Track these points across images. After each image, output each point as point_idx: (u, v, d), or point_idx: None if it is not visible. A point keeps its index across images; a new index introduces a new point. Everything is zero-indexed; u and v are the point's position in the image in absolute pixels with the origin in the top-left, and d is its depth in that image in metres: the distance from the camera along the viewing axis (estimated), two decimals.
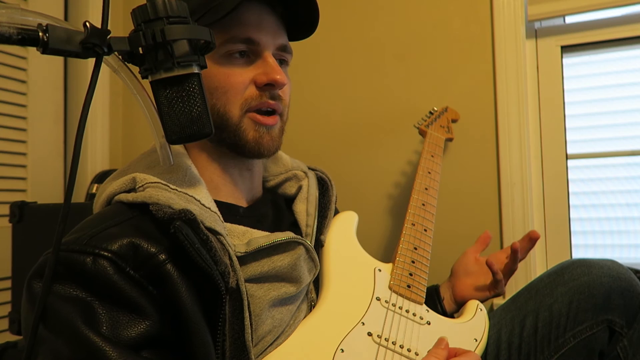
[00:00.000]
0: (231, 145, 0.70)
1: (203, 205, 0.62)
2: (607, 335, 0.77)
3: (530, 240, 0.90)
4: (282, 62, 0.73)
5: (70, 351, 0.50)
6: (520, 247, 0.88)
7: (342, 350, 0.65)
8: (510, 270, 0.89)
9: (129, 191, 0.63)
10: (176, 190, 0.62)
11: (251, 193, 0.77)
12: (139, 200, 0.59)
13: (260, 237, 0.65)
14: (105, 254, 0.53)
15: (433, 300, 0.91)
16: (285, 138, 0.75)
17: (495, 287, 0.89)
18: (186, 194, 0.62)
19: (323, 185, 0.84)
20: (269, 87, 0.68)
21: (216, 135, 0.68)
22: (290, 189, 0.84)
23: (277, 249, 0.65)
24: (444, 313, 0.89)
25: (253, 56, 0.69)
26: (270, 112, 0.70)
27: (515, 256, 0.88)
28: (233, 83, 0.67)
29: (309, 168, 0.87)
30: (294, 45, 0.76)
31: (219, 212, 0.64)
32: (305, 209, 0.79)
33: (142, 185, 0.61)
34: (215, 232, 0.60)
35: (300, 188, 0.82)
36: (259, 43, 0.68)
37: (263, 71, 0.68)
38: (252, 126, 0.68)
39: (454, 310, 0.92)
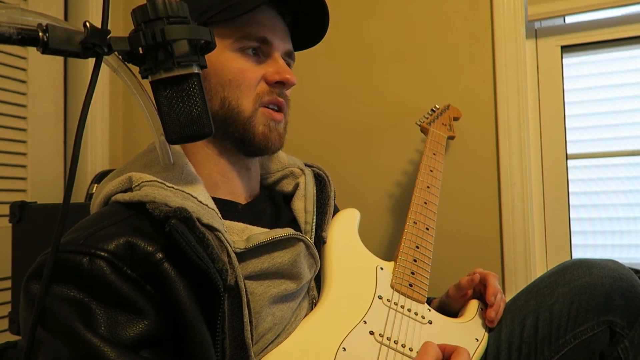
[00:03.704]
0: (237, 140, 0.71)
1: (200, 202, 0.62)
2: (608, 336, 0.76)
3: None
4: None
5: (69, 352, 0.49)
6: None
7: (344, 349, 0.65)
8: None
9: (125, 191, 0.63)
10: (172, 188, 0.61)
11: (249, 190, 0.77)
12: (136, 199, 0.59)
13: (260, 234, 0.64)
14: (102, 253, 0.53)
15: None
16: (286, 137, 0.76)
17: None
18: (183, 191, 0.62)
19: (320, 182, 0.84)
20: (279, 86, 0.72)
21: (222, 129, 0.70)
22: (287, 186, 0.84)
23: (277, 246, 0.65)
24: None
25: (263, 56, 0.72)
26: (278, 109, 0.73)
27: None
28: (247, 78, 0.70)
29: (306, 165, 0.87)
30: None
31: (216, 209, 0.64)
32: (303, 206, 0.79)
33: (139, 184, 0.61)
34: (213, 229, 0.60)
35: (297, 185, 0.82)
36: (272, 44, 0.72)
37: (275, 70, 0.71)
38: (263, 120, 0.71)
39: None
